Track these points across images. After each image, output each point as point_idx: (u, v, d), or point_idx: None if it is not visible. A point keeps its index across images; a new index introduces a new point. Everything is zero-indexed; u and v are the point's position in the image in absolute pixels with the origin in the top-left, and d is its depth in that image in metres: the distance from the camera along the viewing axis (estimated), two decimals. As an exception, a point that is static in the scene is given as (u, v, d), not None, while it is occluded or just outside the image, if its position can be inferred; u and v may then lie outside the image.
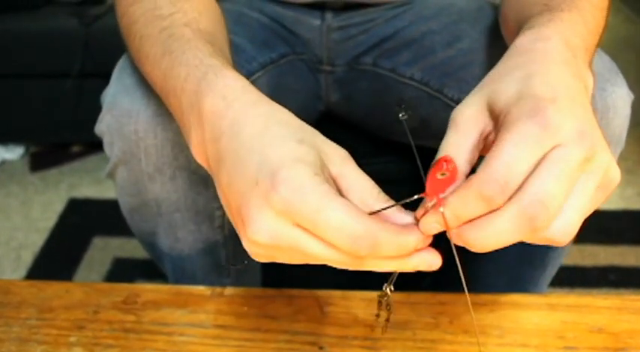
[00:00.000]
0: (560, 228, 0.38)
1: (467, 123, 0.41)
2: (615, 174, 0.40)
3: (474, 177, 0.37)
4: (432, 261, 0.39)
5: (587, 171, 0.39)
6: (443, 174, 0.38)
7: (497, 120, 0.40)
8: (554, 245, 0.39)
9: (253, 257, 0.42)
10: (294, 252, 0.39)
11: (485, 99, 0.42)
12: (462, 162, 0.40)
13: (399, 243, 0.38)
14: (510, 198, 0.37)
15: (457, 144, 0.41)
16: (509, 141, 0.37)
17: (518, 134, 0.37)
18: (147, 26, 0.54)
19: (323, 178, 0.39)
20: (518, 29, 0.52)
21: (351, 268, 0.40)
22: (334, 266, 0.40)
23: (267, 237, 0.39)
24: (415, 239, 0.38)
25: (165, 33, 0.52)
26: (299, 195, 0.37)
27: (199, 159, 0.47)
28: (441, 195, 0.38)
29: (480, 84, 0.44)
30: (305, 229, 0.38)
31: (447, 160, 0.39)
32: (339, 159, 0.41)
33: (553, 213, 0.37)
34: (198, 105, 0.45)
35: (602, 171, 0.39)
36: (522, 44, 0.46)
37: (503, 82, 0.42)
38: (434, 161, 0.40)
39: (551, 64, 0.43)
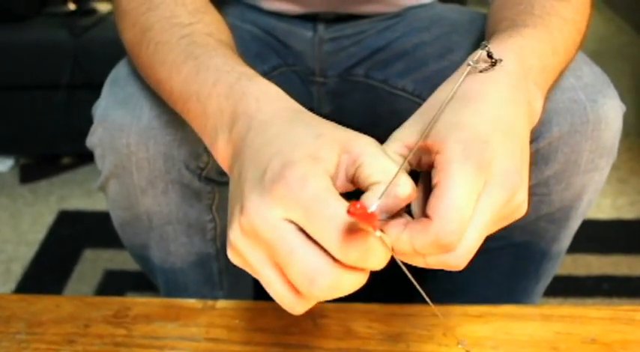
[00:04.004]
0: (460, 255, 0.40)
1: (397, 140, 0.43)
2: (523, 210, 0.42)
3: (431, 226, 0.38)
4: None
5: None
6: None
7: (431, 150, 0.41)
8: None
9: (230, 251, 0.41)
10: (274, 251, 0.38)
11: (423, 122, 0.43)
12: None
13: (386, 253, 0.37)
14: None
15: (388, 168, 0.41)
16: (453, 188, 0.38)
17: (460, 177, 0.38)
18: (163, 33, 0.54)
19: (329, 177, 0.38)
20: None
21: (313, 288, 0.37)
22: (298, 280, 0.38)
23: (256, 223, 0.37)
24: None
25: (185, 40, 0.52)
26: (300, 184, 0.37)
27: (224, 163, 0.46)
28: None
29: (425, 105, 0.45)
30: (296, 225, 0.37)
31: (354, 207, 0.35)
32: (363, 142, 0.40)
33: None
34: (230, 108, 0.45)
35: (514, 208, 0.41)
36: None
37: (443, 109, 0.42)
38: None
39: (491, 92, 0.43)
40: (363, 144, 0.40)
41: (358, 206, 0.34)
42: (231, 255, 0.41)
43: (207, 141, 0.48)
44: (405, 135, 0.43)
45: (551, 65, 0.50)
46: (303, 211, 0.37)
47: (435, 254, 0.39)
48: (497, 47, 0.47)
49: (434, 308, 0.44)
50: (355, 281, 0.38)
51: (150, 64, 0.55)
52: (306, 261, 0.37)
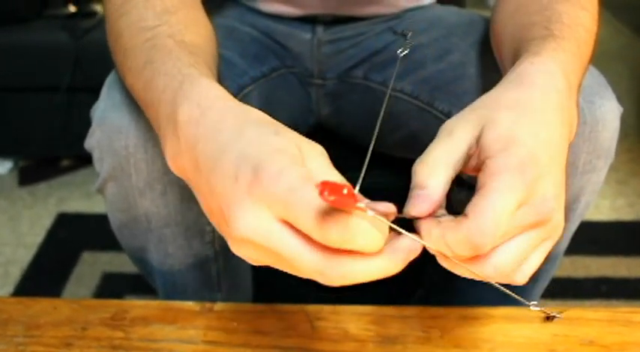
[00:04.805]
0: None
1: (460, 133, 0.42)
2: (559, 231, 0.43)
3: (465, 222, 0.39)
4: (411, 248, 0.39)
5: (544, 231, 0.42)
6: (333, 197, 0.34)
7: (481, 153, 0.41)
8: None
9: (246, 260, 0.41)
10: (272, 252, 0.38)
11: (481, 123, 0.42)
12: (451, 169, 0.41)
13: (373, 231, 0.37)
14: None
15: (449, 150, 0.42)
16: (498, 193, 0.39)
17: (507, 188, 0.39)
18: (131, 38, 0.54)
19: (302, 165, 0.38)
20: (515, 48, 0.52)
21: (325, 279, 0.38)
22: (308, 274, 0.38)
23: (249, 232, 0.38)
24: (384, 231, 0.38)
25: (148, 44, 0.52)
26: (275, 179, 0.37)
27: (176, 170, 0.46)
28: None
29: (479, 103, 0.45)
30: (283, 222, 0.37)
31: (323, 187, 0.34)
32: (315, 155, 0.40)
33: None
34: (173, 115, 0.44)
35: (550, 231, 0.42)
36: (528, 72, 0.46)
37: (500, 114, 0.42)
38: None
39: (547, 111, 0.44)
40: (313, 157, 0.40)
41: (326, 194, 0.33)
42: (246, 257, 0.41)
43: (162, 147, 0.47)
44: (465, 126, 0.43)
45: (581, 81, 0.51)
46: (282, 204, 0.37)
47: (465, 253, 0.39)
48: (546, 62, 0.47)
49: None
50: (368, 268, 0.38)
51: (122, 70, 0.55)
52: (309, 259, 0.37)
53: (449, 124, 0.43)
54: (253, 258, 0.40)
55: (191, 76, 0.46)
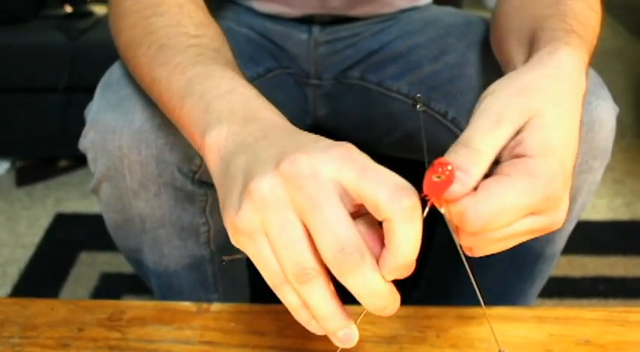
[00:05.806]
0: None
1: (508, 125, 0.42)
2: (559, 225, 0.43)
3: (471, 195, 0.39)
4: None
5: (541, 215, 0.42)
6: (438, 177, 0.38)
7: (520, 147, 0.41)
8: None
9: (249, 206, 0.38)
10: (314, 210, 0.37)
11: (528, 114, 0.42)
12: (493, 158, 0.41)
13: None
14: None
15: (496, 141, 0.41)
16: (522, 194, 0.39)
17: (529, 192, 0.40)
18: (170, 39, 0.54)
19: None
20: (529, 37, 0.53)
21: (336, 266, 0.38)
22: (337, 245, 0.37)
23: (305, 173, 0.37)
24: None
25: (193, 50, 0.53)
26: (359, 152, 0.38)
27: (221, 151, 0.44)
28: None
29: (525, 84, 0.44)
30: (338, 190, 0.38)
31: (442, 163, 0.39)
32: None
33: None
34: (247, 112, 0.45)
35: (554, 225, 0.43)
36: (565, 64, 0.46)
37: (547, 111, 0.42)
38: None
39: (577, 112, 0.45)
40: None
41: (449, 168, 0.38)
42: (247, 213, 0.38)
43: (199, 128, 0.46)
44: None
45: None
46: (359, 168, 0.37)
47: (453, 221, 0.40)
48: (577, 57, 0.47)
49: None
50: (373, 279, 0.39)
51: (148, 64, 0.54)
52: (345, 229, 0.37)
53: (496, 105, 0.42)
54: (277, 205, 0.38)
55: (262, 95, 0.48)
